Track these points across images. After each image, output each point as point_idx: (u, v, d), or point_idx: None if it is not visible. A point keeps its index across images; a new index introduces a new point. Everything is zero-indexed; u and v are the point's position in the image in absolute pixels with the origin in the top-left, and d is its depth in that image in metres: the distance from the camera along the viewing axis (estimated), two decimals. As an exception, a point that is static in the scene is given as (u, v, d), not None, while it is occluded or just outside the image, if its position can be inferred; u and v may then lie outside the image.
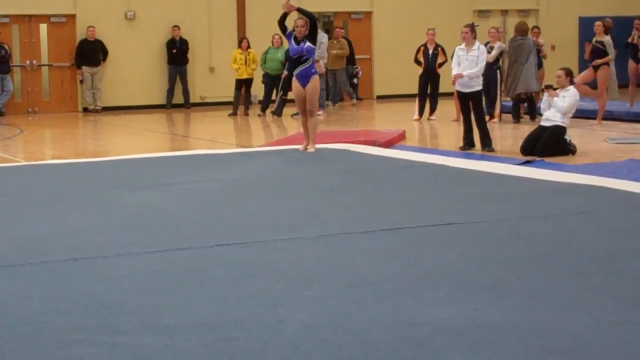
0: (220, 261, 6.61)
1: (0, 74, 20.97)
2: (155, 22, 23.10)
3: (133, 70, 22.94)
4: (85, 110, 22.63)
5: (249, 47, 21.35)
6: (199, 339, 4.79)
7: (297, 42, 12.44)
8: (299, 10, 12.80)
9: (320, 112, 20.05)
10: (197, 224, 8.05)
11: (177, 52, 23.03)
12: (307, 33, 12.42)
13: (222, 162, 12.45)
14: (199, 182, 10.55)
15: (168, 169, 11.89)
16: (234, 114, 20.93)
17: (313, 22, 12.58)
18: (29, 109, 22.64)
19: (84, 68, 22.57)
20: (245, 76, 21.19)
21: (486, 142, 13.25)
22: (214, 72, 23.47)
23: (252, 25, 23.13)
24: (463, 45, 13.43)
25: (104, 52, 22.66)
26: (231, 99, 21.36)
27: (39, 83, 23.10)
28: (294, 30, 12.48)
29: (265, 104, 21.08)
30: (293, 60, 12.77)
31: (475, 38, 13.46)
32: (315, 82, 12.62)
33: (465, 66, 13.22)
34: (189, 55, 23.21)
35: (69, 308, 5.42)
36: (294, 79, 12.74)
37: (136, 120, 20.23)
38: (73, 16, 22.92)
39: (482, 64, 13.23)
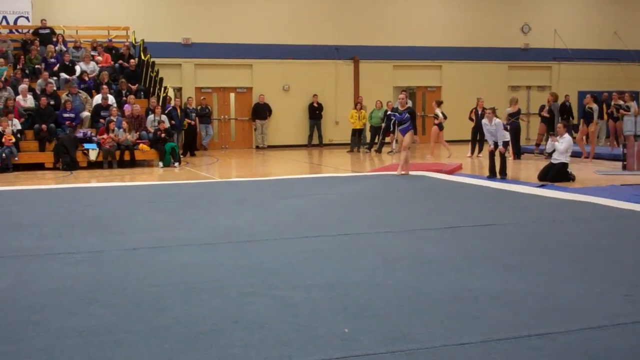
0: (340, 245, 6.66)
1: (205, 124, 21.42)
2: (301, 92, 23.31)
3: (287, 122, 23.21)
4: (257, 147, 22.97)
5: (361, 108, 21.40)
6: (326, 294, 4.84)
7: (400, 112, 13.06)
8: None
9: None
10: (326, 221, 8.11)
11: (315, 111, 23.23)
12: (407, 104, 13.15)
13: (342, 181, 12.51)
14: (327, 194, 10.62)
15: (308, 185, 12.01)
16: (351, 151, 20.97)
17: (412, 112, 13.28)
18: (222, 146, 23.09)
19: (257, 121, 22.91)
20: (358, 127, 21.19)
21: (504, 172, 13.02)
22: (338, 124, 23.57)
23: (363, 93, 23.17)
24: (486, 121, 13.21)
25: (269, 111, 22.95)
26: (349, 141, 21.46)
27: (229, 130, 23.54)
28: (396, 108, 13.65)
29: (370, 145, 21.07)
30: (399, 121, 13.25)
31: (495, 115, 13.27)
32: (410, 134, 12.94)
33: (489, 131, 13.20)
34: (323, 113, 23.36)
35: (246, 272, 5.54)
36: (397, 131, 13.48)
37: (288, 154, 20.45)
38: (250, 88, 23.30)
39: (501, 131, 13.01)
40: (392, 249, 6.42)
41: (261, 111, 22.85)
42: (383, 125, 19.98)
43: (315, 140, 23.29)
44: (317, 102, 23.22)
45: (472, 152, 18.78)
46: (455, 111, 24.26)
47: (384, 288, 4.98)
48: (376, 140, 20.84)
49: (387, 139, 20.36)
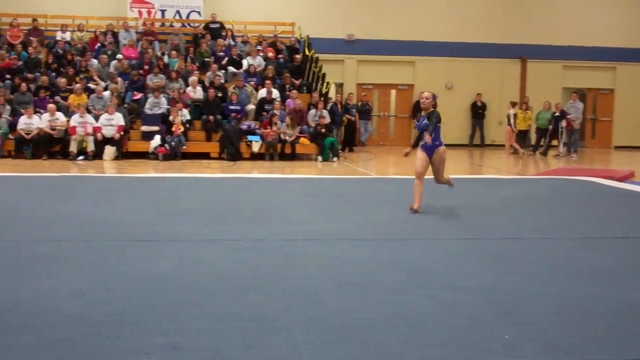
0: (499, 248, 6.51)
1: (364, 120, 21.61)
2: (464, 90, 23.03)
3: (448, 121, 22.77)
4: (416, 145, 22.89)
5: (527, 108, 20.77)
6: (484, 298, 4.76)
7: (418, 117, 8.98)
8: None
9: (574, 156, 19.24)
10: (484, 223, 7.96)
11: (478, 111, 22.88)
12: (432, 107, 8.68)
13: (503, 183, 12.21)
14: (486, 195, 10.42)
15: (466, 186, 11.81)
16: (514, 152, 20.43)
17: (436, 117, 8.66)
18: (381, 143, 23.19)
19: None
20: (523, 128, 20.59)
21: None
22: (501, 124, 22.94)
23: (530, 93, 22.49)
24: None
25: (430, 109, 22.83)
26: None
27: (388, 126, 23.67)
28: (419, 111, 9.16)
29: (535, 147, 20.39)
30: (420, 132, 8.86)
31: None
32: (441, 154, 8.87)
33: None
34: (486, 113, 22.97)
35: (401, 269, 5.54)
36: (419, 148, 8.85)
37: (448, 153, 20.13)
38: (412, 85, 23.29)
39: None
40: (554, 256, 6.21)
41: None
42: (550, 127, 19.35)
43: (477, 140, 22.91)
44: (480, 101, 22.85)
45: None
46: (630, 116, 23.13)
47: (544, 296, 4.83)
48: (542, 143, 20.17)
49: (554, 142, 19.68)
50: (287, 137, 16.71)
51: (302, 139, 16.92)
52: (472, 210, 8.89)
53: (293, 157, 16.74)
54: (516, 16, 23.20)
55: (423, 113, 8.75)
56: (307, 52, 20.31)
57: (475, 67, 23.12)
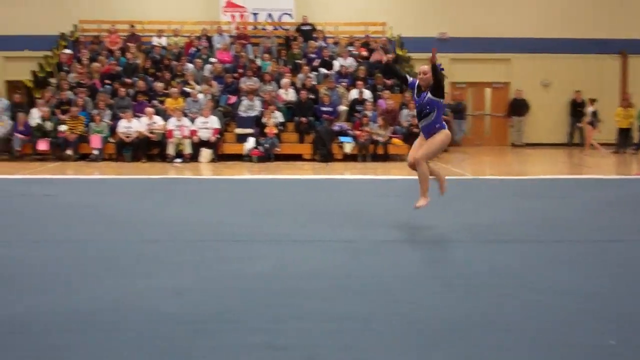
0: (598, 251, 6.31)
1: (458, 119, 21.31)
2: (562, 88, 22.42)
3: (546, 119, 22.43)
4: (513, 145, 22.45)
5: (628, 105, 20.07)
6: (579, 302, 4.64)
7: (419, 93, 7.36)
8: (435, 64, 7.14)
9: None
10: (582, 225, 7.70)
11: (577, 108, 22.17)
12: (432, 83, 7.19)
13: (604, 184, 11.81)
14: (583, 197, 10.05)
15: (564, 186, 11.52)
16: (616, 152, 19.75)
17: (437, 78, 7.12)
18: (476, 142, 22.82)
19: (514, 117, 22.43)
20: (625, 126, 19.91)
21: None
22: (602, 123, 22.24)
23: (632, 89, 21.73)
24: None
25: (527, 107, 22.35)
26: (613, 142, 20.23)
27: (482, 126, 23.26)
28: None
29: (638, 145, 19.68)
30: (417, 113, 7.41)
31: None
32: (440, 137, 7.32)
33: None
34: (585, 111, 22.26)
35: (499, 272, 5.45)
36: (420, 132, 7.53)
37: (546, 153, 19.73)
38: (507, 83, 22.86)
39: None
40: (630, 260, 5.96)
41: (519, 107, 22.33)
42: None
43: (577, 139, 22.24)
44: (580, 98, 22.18)
45: None
46: None
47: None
48: (646, 141, 19.47)
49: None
50: (380, 138, 16.69)
51: (394, 140, 16.87)
52: (568, 211, 8.63)
53: (386, 158, 16.70)
54: (615, 10, 22.42)
55: (423, 88, 7.32)
56: (398, 52, 20.23)
57: (573, 64, 22.47)
